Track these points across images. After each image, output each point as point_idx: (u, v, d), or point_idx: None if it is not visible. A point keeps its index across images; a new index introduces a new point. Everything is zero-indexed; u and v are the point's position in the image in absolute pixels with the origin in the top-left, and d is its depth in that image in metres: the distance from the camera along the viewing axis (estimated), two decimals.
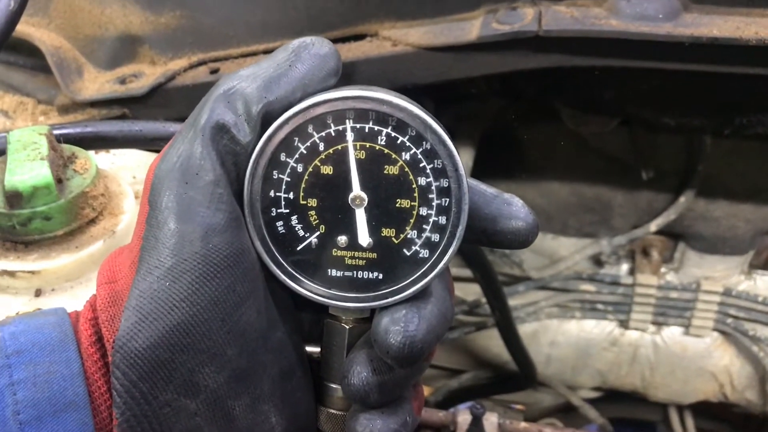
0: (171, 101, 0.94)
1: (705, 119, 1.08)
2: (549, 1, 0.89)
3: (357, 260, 0.53)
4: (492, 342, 1.54)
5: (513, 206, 0.55)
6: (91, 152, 0.80)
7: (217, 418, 0.51)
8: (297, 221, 0.53)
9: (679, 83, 1.04)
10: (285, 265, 0.53)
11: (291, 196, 0.52)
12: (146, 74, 0.95)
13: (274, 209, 0.52)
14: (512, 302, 1.47)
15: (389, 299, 0.52)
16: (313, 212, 0.52)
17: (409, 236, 0.53)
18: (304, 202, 0.52)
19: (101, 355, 0.50)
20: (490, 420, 1.06)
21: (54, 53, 0.95)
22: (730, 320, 1.45)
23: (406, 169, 0.51)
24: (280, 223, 0.53)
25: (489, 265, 1.24)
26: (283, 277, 0.53)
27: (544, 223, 1.44)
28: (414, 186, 0.52)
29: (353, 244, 0.53)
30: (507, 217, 0.54)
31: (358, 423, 0.53)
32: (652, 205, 1.38)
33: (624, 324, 1.50)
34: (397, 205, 0.52)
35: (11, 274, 0.71)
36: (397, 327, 0.50)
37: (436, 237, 0.52)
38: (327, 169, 0.52)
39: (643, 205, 1.38)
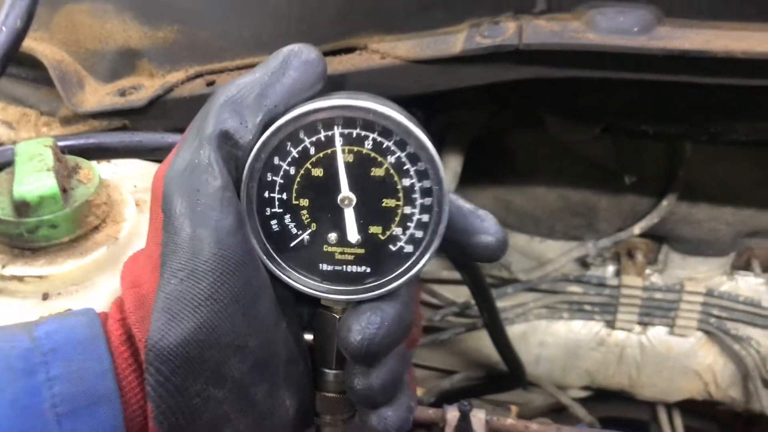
0: (169, 113, 0.98)
1: (680, 127, 1.12)
2: (530, 15, 0.93)
3: (346, 255, 0.58)
4: (483, 343, 1.58)
5: (486, 222, 0.59)
6: (94, 162, 0.84)
7: (242, 404, 0.56)
8: (290, 220, 0.57)
9: (654, 93, 1.08)
10: (279, 260, 0.58)
11: (284, 196, 0.56)
12: (145, 87, 0.99)
13: (268, 209, 0.56)
14: (501, 304, 1.51)
15: (376, 292, 0.57)
16: (305, 211, 0.57)
17: (394, 233, 0.57)
18: (297, 202, 0.56)
19: (131, 353, 0.54)
20: (478, 416, 1.11)
21: (56, 67, 0.99)
22: (713, 320, 1.49)
23: (391, 171, 0.56)
24: (274, 222, 0.57)
25: (477, 268, 1.28)
26: (277, 272, 0.57)
27: (531, 226, 1.48)
28: (399, 187, 0.56)
29: (343, 241, 0.57)
30: (480, 231, 0.59)
31: (371, 419, 0.58)
32: (636, 209, 1.42)
33: (610, 324, 1.54)
34: (383, 204, 0.57)
35: (20, 279, 0.75)
36: (359, 327, 0.55)
37: (419, 234, 0.57)
38: (318, 172, 0.56)
39: (627, 209, 1.42)
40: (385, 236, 0.57)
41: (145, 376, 0.52)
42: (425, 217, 0.56)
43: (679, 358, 1.54)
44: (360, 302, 0.58)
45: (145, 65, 1.01)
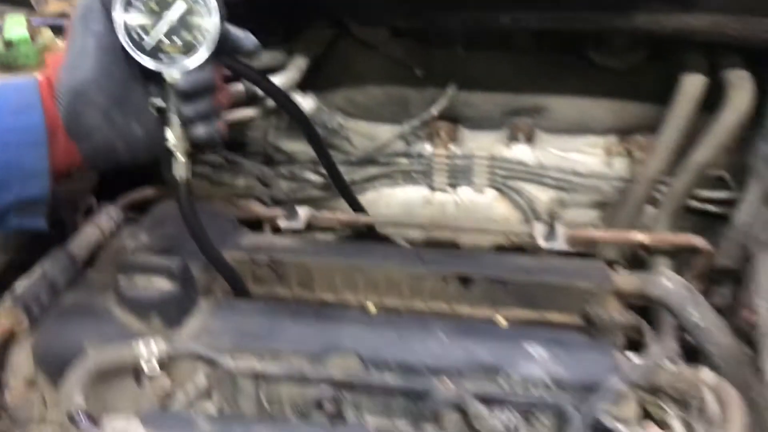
0: None
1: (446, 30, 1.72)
2: None
3: (175, 48, 1.16)
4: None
5: (248, 35, 1.19)
6: (49, 31, 1.48)
7: (106, 122, 1.11)
8: (142, 32, 1.17)
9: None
10: (140, 54, 1.17)
11: (140, 21, 1.14)
12: None
13: (130, 28, 1.15)
14: (353, 176, 2.09)
15: (188, 64, 1.16)
16: (150, 27, 1.16)
17: (197, 36, 1.15)
18: (144, 22, 1.15)
19: (53, 94, 1.11)
20: (304, 211, 1.73)
21: None
22: (499, 179, 2.02)
23: (194, 6, 1.15)
24: (135, 33, 1.16)
25: (321, 140, 1.86)
26: (140, 60, 1.15)
27: (367, 114, 2.07)
28: (199, 14, 1.15)
29: (172, 42, 1.15)
30: (245, 41, 1.19)
31: (189, 130, 1.18)
32: (435, 98, 1.97)
33: (432, 187, 2.07)
34: (193, 21, 1.15)
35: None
36: (181, 80, 1.13)
37: (209, 35, 1.15)
38: (155, 7, 1.16)
39: (428, 97, 1.97)
40: (194, 37, 1.15)
41: (57, 101, 1.09)
42: (210, 26, 1.17)
43: (482, 210, 2.04)
44: (183, 71, 1.18)
45: None
